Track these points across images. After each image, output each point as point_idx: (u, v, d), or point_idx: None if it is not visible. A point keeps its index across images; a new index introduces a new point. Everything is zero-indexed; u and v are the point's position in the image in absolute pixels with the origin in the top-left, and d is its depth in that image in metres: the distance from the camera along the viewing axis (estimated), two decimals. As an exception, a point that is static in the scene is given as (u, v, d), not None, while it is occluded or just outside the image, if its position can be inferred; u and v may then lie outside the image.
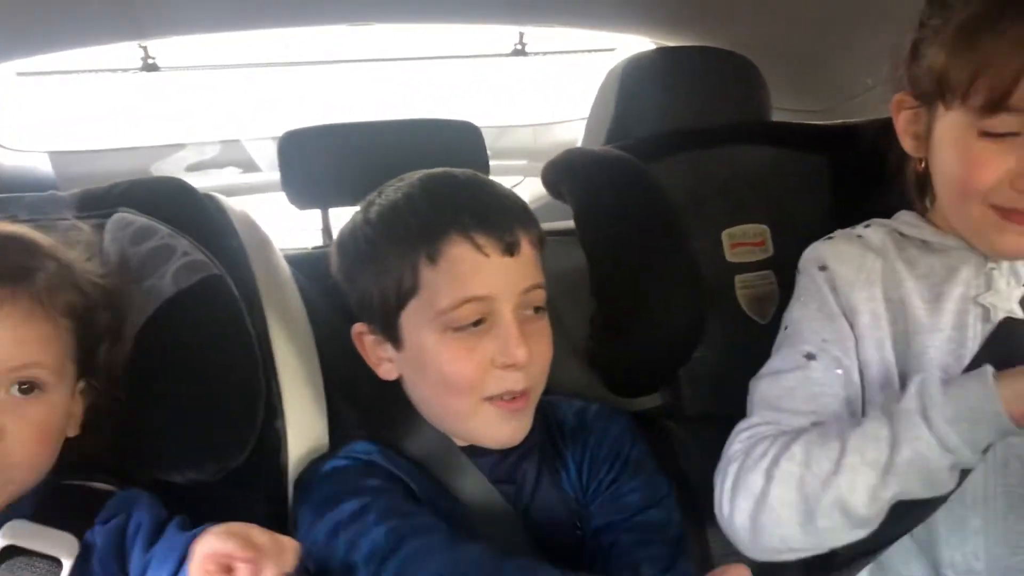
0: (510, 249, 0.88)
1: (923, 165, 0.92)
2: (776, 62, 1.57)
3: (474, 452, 0.93)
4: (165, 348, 0.87)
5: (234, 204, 1.13)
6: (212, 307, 0.90)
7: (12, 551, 0.74)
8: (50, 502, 0.80)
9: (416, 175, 0.95)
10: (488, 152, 2.30)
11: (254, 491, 0.93)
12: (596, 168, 1.16)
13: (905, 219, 0.97)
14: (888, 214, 0.99)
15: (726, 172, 1.24)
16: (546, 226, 1.18)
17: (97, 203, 1.02)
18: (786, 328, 0.96)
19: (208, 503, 0.89)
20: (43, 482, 0.80)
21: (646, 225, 1.11)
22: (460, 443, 0.94)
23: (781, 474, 0.81)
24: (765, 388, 0.92)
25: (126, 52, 1.54)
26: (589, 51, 1.93)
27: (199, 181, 2.10)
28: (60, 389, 0.79)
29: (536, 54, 1.86)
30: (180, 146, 1.91)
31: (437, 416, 0.94)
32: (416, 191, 0.92)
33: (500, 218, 0.89)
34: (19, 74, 1.55)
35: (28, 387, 0.76)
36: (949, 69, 0.83)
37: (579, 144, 1.58)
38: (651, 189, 1.14)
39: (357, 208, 0.98)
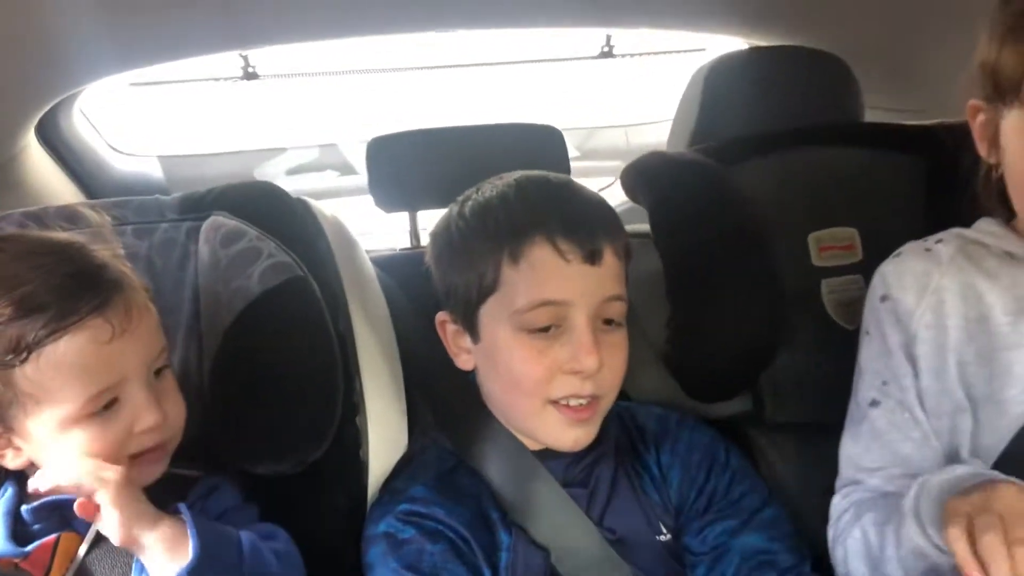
0: (592, 257, 0.89)
1: (998, 171, 0.87)
2: (869, 60, 1.52)
3: (545, 455, 0.94)
4: (250, 345, 0.92)
5: (325, 207, 1.17)
6: (295, 307, 0.93)
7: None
8: (145, 488, 0.85)
9: (514, 175, 0.97)
10: (578, 153, 2.32)
11: (334, 484, 0.97)
12: (672, 173, 1.15)
13: (986, 228, 0.92)
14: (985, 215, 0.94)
15: (814, 174, 1.21)
16: (628, 228, 1.19)
17: (195, 206, 1.07)
18: (858, 371, 0.96)
19: (289, 494, 0.94)
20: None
21: (721, 231, 1.09)
22: (532, 446, 0.95)
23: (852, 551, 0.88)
24: (848, 446, 0.94)
25: (228, 62, 1.62)
26: (678, 52, 1.92)
27: (298, 184, 2.20)
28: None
29: (624, 55, 1.86)
30: (281, 151, 1.99)
31: (505, 414, 0.96)
32: (510, 191, 0.93)
33: (586, 225, 0.90)
34: (132, 84, 1.64)
35: (159, 371, 0.83)
36: (1000, 63, 0.81)
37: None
38: (728, 194, 1.12)
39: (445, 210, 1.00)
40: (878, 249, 1.16)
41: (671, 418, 1.04)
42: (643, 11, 1.52)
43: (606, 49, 1.80)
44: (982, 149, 0.89)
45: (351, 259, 1.11)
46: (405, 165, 1.32)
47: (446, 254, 0.95)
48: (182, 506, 0.79)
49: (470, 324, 0.94)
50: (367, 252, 1.20)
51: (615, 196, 2.44)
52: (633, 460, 0.99)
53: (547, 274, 0.88)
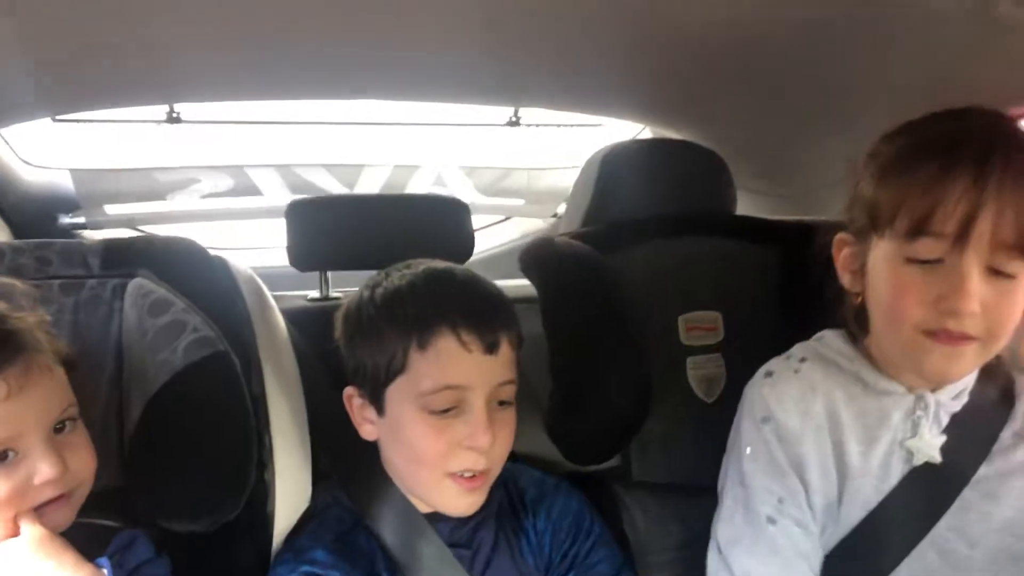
0: (491, 348, 1.01)
1: (859, 299, 1.01)
2: (746, 150, 1.70)
3: (435, 518, 1.06)
4: (172, 413, 1.00)
5: (240, 263, 1.26)
6: (215, 380, 1.02)
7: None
8: (66, 537, 0.92)
9: (422, 265, 1.07)
10: (482, 194, 2.49)
11: (241, 537, 1.06)
12: (559, 264, 1.29)
13: (837, 347, 1.05)
14: (834, 311, 1.07)
15: (686, 261, 1.37)
16: (522, 291, 1.33)
17: (119, 255, 1.15)
18: (742, 482, 1.03)
19: (199, 546, 1.03)
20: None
21: (598, 317, 1.24)
22: (423, 509, 1.07)
23: None
24: (744, 560, 1.01)
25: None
26: (579, 125, 2.08)
27: (211, 204, 2.25)
28: (79, 419, 0.95)
29: (530, 125, 2.01)
30: (194, 175, 2.04)
31: (404, 481, 1.07)
32: (419, 282, 1.04)
33: (486, 320, 1.01)
34: (55, 120, 1.67)
35: (62, 426, 0.91)
36: (878, 199, 0.94)
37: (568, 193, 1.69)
38: (607, 285, 1.26)
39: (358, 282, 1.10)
40: (737, 331, 1.34)
41: (548, 483, 1.16)
42: (547, 95, 1.66)
43: (514, 119, 1.95)
44: (845, 280, 1.03)
45: (265, 319, 1.20)
46: (320, 228, 1.41)
47: (357, 336, 1.05)
48: (104, 560, 0.88)
49: (376, 400, 1.04)
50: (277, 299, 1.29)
51: (507, 234, 2.65)
52: (513, 523, 1.11)
53: (451, 362, 0.99)
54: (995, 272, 0.88)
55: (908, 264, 0.91)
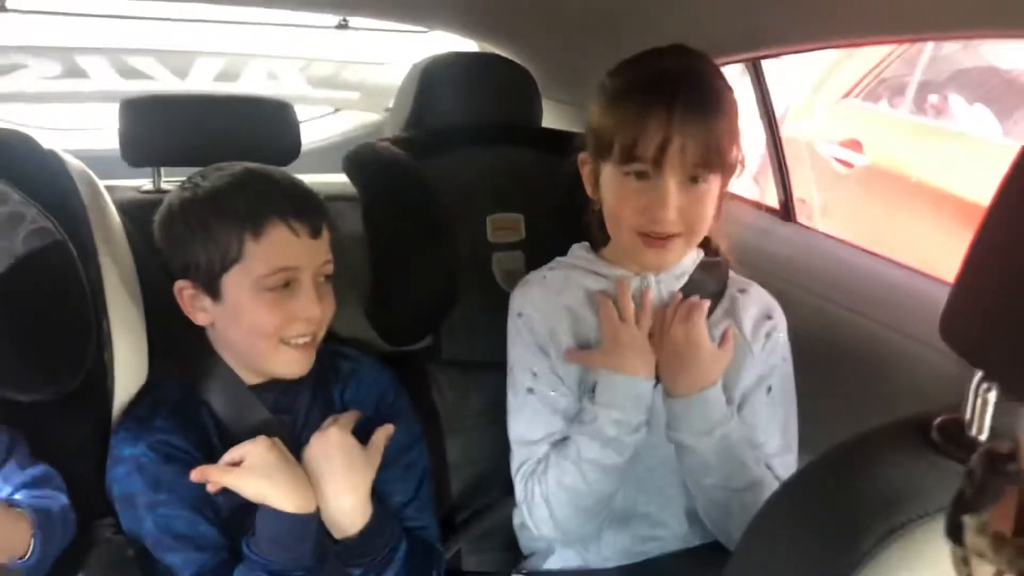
0: (315, 233, 1.15)
1: (599, 206, 1.22)
2: (552, 65, 1.88)
3: (259, 389, 1.21)
4: (13, 297, 1.10)
5: (73, 158, 1.33)
6: (54, 266, 1.12)
7: None
8: None
9: (237, 166, 1.18)
10: (325, 84, 2.56)
11: (84, 411, 1.18)
12: (378, 170, 1.45)
13: (580, 254, 1.28)
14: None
15: (494, 168, 1.54)
16: (351, 189, 1.47)
17: (-47, 147, 1.20)
18: (511, 369, 1.26)
19: (47, 419, 1.15)
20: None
21: (413, 219, 1.41)
22: (250, 381, 1.21)
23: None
24: (515, 428, 1.24)
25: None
26: (404, 31, 2.18)
27: (38, 86, 2.23)
28: None
29: (358, 29, 2.09)
30: (23, 65, 2.01)
31: (241, 356, 1.20)
32: (243, 180, 1.15)
33: (310, 209, 1.16)
34: None
35: None
36: (599, 128, 1.14)
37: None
38: (420, 188, 1.43)
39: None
40: (536, 232, 1.54)
41: (364, 361, 1.32)
42: (372, 6, 1.76)
43: (343, 22, 2.03)
44: (588, 190, 1.23)
45: (100, 211, 1.28)
46: (152, 126, 1.47)
47: (184, 234, 1.15)
48: None
49: (212, 289, 1.15)
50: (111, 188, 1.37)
51: (336, 127, 2.72)
52: (325, 391, 1.27)
53: (283, 247, 1.13)
54: (690, 181, 1.11)
55: (625, 179, 1.13)
